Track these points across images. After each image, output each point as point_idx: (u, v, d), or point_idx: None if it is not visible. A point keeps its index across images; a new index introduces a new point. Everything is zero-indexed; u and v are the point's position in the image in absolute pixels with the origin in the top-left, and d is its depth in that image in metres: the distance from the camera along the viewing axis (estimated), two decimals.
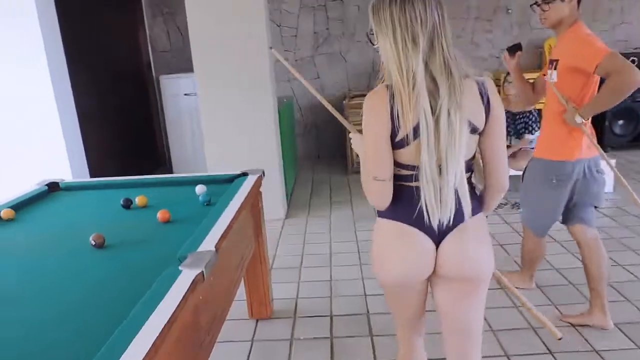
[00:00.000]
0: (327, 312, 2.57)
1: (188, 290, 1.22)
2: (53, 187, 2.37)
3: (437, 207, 1.23)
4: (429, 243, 1.30)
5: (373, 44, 1.27)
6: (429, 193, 1.22)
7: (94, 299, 1.31)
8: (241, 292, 2.50)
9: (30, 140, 3.64)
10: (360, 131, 1.35)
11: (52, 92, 3.59)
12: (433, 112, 1.18)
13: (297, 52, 5.90)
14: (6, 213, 1.96)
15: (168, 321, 1.09)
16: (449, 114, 1.17)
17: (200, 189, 2.17)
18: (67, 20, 3.91)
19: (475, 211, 1.31)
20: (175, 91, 5.36)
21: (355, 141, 1.45)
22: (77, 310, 1.25)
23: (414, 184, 1.26)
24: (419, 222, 1.27)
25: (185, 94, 5.27)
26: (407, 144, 1.22)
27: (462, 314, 1.40)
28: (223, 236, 1.59)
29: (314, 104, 5.93)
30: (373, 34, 1.24)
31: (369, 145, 1.27)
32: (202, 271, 1.31)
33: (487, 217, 1.44)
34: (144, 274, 1.37)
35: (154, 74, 5.93)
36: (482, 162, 1.34)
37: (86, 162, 4.06)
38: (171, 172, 5.60)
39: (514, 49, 2.37)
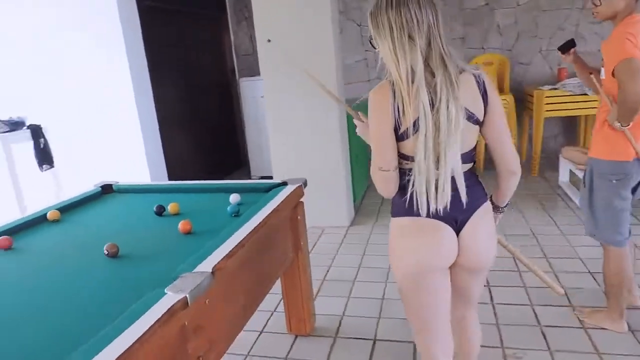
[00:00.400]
0: (372, 335, 2.36)
1: (162, 317, 1.13)
2: (106, 189, 2.46)
3: (424, 195, 1.30)
4: (451, 231, 1.35)
5: (375, 49, 1.32)
6: (419, 183, 1.29)
7: (74, 315, 1.27)
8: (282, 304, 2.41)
9: (110, 141, 3.90)
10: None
11: (133, 95, 3.81)
12: (432, 106, 1.24)
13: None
14: (52, 214, 2.05)
15: (124, 352, 1.00)
16: (447, 106, 1.23)
17: (233, 198, 2.09)
18: (150, 30, 4.13)
19: (481, 200, 1.40)
20: (254, 93, 5.45)
21: (361, 129, 1.53)
22: (50, 324, 1.22)
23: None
24: (436, 213, 1.32)
25: (262, 96, 5.32)
26: (408, 137, 1.29)
27: (470, 289, 1.53)
28: (230, 255, 1.48)
29: None
30: (373, 39, 1.31)
31: (373, 138, 1.34)
32: (186, 296, 1.21)
33: (506, 208, 1.54)
34: (141, 291, 1.30)
35: (237, 77, 6.09)
36: (490, 150, 1.40)
37: (165, 163, 4.27)
38: (249, 174, 5.72)
39: (566, 46, 2.22)
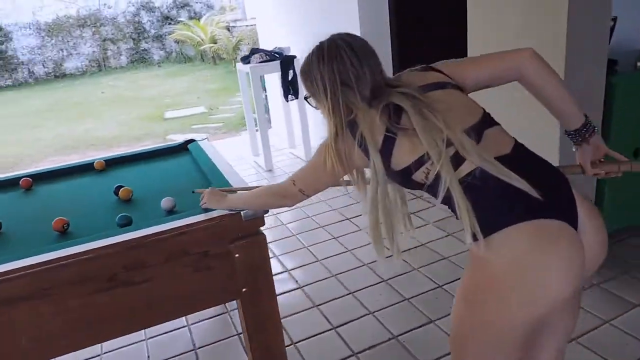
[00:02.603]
0: None
1: None
2: (186, 144, 2.42)
3: None
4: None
5: (313, 106, 1.24)
6: None
7: None
8: None
9: None
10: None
11: None
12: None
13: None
14: (98, 164, 2.23)
15: None
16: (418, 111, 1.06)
17: (165, 202, 1.65)
18: None
19: None
20: None
21: (210, 201, 1.50)
22: None
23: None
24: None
25: None
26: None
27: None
28: None
29: None
30: (309, 97, 1.22)
31: (323, 180, 1.23)
32: None
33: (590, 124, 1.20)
34: None
35: None
36: (501, 79, 1.19)
37: None
38: None
39: None
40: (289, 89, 4.22)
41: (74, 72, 14.05)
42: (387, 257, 1.20)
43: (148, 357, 2.11)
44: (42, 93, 11.72)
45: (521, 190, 0.97)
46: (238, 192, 1.54)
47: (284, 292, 2.46)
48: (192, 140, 2.44)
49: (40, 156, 6.22)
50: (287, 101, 4.30)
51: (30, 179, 2.08)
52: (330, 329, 2.15)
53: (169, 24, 15.65)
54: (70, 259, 1.33)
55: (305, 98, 1.23)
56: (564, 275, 0.97)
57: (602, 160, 1.21)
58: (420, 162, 1.03)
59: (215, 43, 13.36)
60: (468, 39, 2.53)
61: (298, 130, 4.48)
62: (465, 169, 1.01)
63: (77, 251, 1.35)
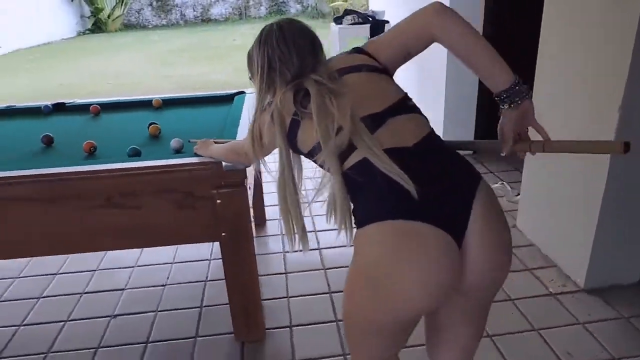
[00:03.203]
0: None
1: None
2: (234, 95, 2.57)
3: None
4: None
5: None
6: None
7: None
8: None
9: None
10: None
11: None
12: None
13: None
14: (156, 102, 2.49)
15: None
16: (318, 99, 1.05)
17: (175, 142, 1.82)
18: None
19: None
20: None
21: (201, 149, 1.66)
22: None
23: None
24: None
25: None
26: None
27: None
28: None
29: None
30: (251, 78, 1.22)
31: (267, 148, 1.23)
32: None
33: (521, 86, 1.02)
34: None
35: None
36: (417, 47, 1.11)
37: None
38: None
39: None
40: None
41: (218, 18, 15.20)
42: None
43: (168, 277, 2.40)
44: (188, 34, 12.94)
45: (402, 186, 0.92)
46: (223, 144, 1.64)
47: (301, 250, 2.56)
48: (241, 92, 2.59)
49: (162, 91, 7.00)
50: None
51: (99, 107, 2.43)
52: (326, 293, 2.21)
53: None
54: (70, 176, 1.57)
55: (249, 78, 1.25)
56: (416, 283, 0.92)
57: (521, 135, 1.06)
58: (319, 146, 1.02)
59: (346, 1, 13.35)
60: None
61: None
62: (354, 157, 0.98)
63: (76, 170, 1.58)
